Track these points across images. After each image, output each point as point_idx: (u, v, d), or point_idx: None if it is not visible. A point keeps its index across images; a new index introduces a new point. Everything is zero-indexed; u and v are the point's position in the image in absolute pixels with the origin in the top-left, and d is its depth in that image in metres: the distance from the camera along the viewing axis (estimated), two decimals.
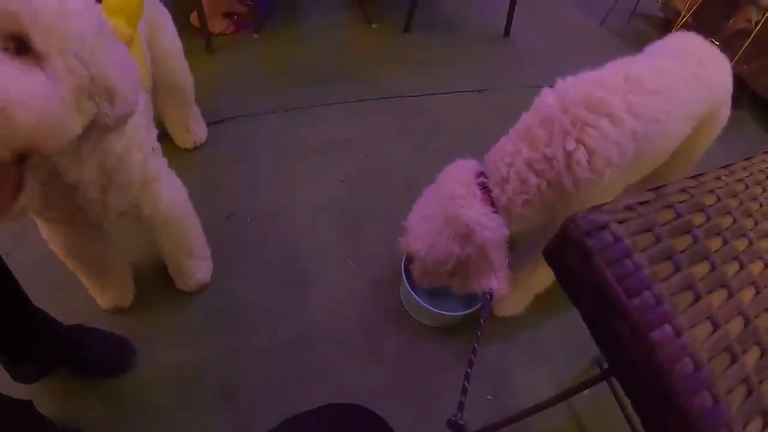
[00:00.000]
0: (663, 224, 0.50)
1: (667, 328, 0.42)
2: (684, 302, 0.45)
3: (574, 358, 1.42)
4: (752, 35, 2.35)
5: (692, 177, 0.61)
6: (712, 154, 1.40)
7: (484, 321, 1.05)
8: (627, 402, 1.19)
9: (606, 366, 0.99)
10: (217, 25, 2.40)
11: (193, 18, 2.33)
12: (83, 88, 0.68)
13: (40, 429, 1.03)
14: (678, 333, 0.43)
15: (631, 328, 0.43)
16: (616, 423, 1.23)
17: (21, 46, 0.60)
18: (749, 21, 2.49)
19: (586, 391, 1.06)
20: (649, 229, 0.49)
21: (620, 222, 0.48)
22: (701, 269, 0.48)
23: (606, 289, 0.45)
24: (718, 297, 0.47)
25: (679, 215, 0.51)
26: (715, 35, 1.28)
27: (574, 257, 0.49)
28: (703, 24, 2.59)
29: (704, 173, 0.64)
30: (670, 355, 0.41)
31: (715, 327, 0.45)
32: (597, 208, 0.51)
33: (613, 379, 1.12)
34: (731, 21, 2.58)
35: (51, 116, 0.61)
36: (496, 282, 1.15)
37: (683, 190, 0.56)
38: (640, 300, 0.44)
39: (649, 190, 0.55)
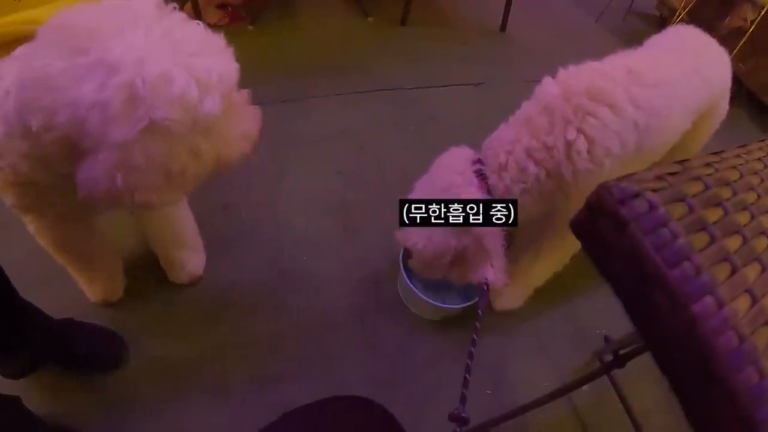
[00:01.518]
0: (694, 195, 0.47)
1: (709, 299, 0.40)
2: (722, 274, 0.43)
3: (575, 352, 1.41)
4: (748, 33, 2.35)
5: (714, 153, 0.59)
6: (707, 150, 1.39)
7: (481, 312, 1.03)
8: (627, 395, 1.19)
9: (607, 359, 0.97)
10: (212, 16, 2.36)
11: (187, 9, 2.29)
12: None
13: (28, 426, 1.00)
14: (720, 305, 0.40)
15: (670, 299, 0.41)
16: (617, 417, 1.22)
17: None
18: (745, 19, 2.49)
19: (586, 386, 1.05)
20: (682, 199, 0.46)
21: (653, 191, 0.46)
22: (734, 242, 0.46)
23: (643, 259, 0.42)
24: (753, 270, 0.45)
25: (707, 187, 0.49)
26: (710, 33, 1.28)
27: (607, 226, 0.46)
28: (699, 22, 2.57)
29: (723, 150, 0.62)
30: (712, 328, 0.39)
31: (754, 300, 0.43)
32: (627, 176, 0.48)
33: (614, 373, 1.11)
34: (727, 19, 2.58)
35: None
36: (492, 272, 1.13)
37: (708, 164, 0.53)
38: (679, 270, 0.41)
39: (675, 162, 0.53)
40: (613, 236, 0.45)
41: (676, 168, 0.51)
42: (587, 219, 0.50)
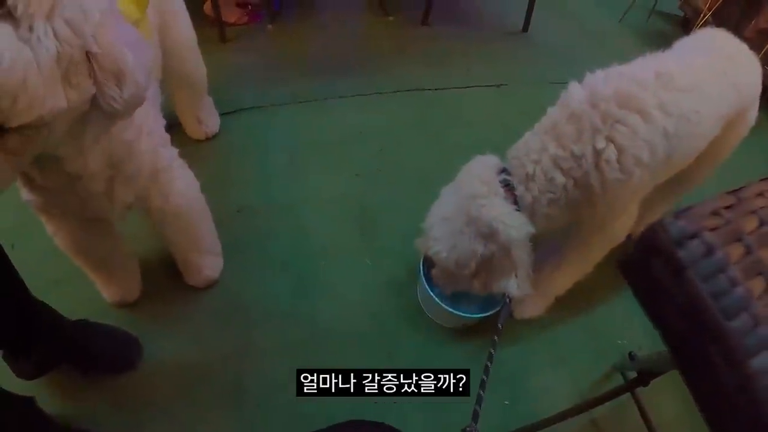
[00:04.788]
0: (750, 233, 0.44)
1: (767, 355, 0.37)
2: None
3: (595, 363, 1.37)
4: None
5: (763, 179, 0.55)
6: (734, 156, 1.37)
7: (502, 326, 1.00)
8: (652, 415, 1.16)
9: (631, 376, 0.94)
10: (231, 15, 2.35)
11: (207, 8, 2.28)
12: (75, 61, 0.63)
13: (41, 426, 1.00)
14: None
15: (726, 354, 0.37)
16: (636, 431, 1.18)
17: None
18: None
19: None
20: (739, 239, 0.43)
21: (711, 230, 0.42)
22: None
23: (700, 309, 0.39)
24: None
25: (762, 222, 0.45)
26: (736, 34, 1.23)
27: (661, 269, 0.43)
28: (724, 23, 2.51)
29: None
30: None
31: None
32: (685, 211, 0.44)
33: (638, 391, 1.08)
34: (753, 21, 2.50)
35: (12, 75, 0.55)
36: (515, 285, 1.10)
37: (760, 194, 0.50)
38: (738, 322, 0.38)
39: (727, 194, 0.50)
40: (667, 280, 0.42)
41: (730, 200, 0.47)
42: (638, 258, 0.47)
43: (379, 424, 0.83)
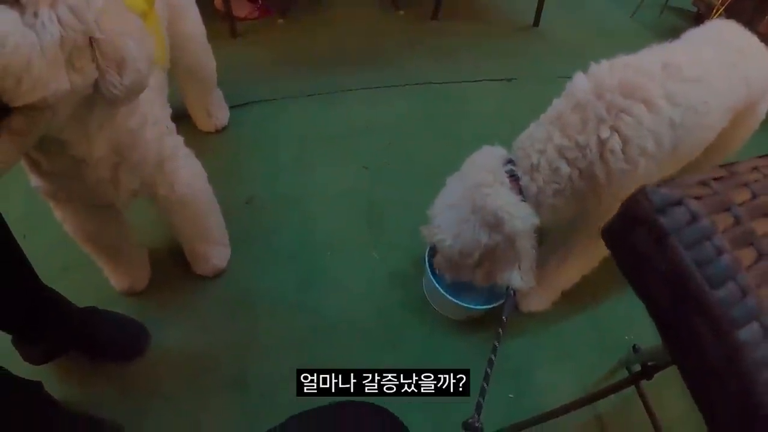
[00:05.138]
0: (741, 204, 0.43)
1: (755, 326, 0.36)
2: None
3: (600, 358, 1.36)
4: None
5: (762, 156, 0.54)
6: (744, 150, 1.32)
7: (506, 319, 1.00)
8: (655, 408, 1.15)
9: (635, 370, 0.93)
10: (242, 9, 2.36)
11: (218, 2, 2.30)
12: (78, 46, 0.65)
13: (48, 410, 1.02)
14: (767, 333, 0.36)
15: (712, 324, 0.37)
16: (641, 426, 1.17)
17: None
18: None
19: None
20: (728, 209, 0.42)
21: (697, 198, 0.42)
22: None
23: (684, 277, 0.38)
24: None
25: (755, 195, 0.44)
26: (749, 29, 1.22)
27: (644, 237, 0.42)
28: (737, 18, 2.47)
29: None
30: (757, 360, 0.35)
31: None
32: (668, 181, 0.44)
33: (642, 384, 1.07)
34: (767, 16, 2.46)
35: (16, 58, 0.57)
36: (519, 277, 1.10)
37: (755, 169, 0.49)
38: (724, 291, 0.37)
39: (720, 166, 0.49)
40: (649, 249, 0.41)
41: (721, 172, 0.47)
42: (621, 227, 0.46)
43: (379, 408, 0.83)
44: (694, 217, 0.40)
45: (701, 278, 0.38)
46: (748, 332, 0.36)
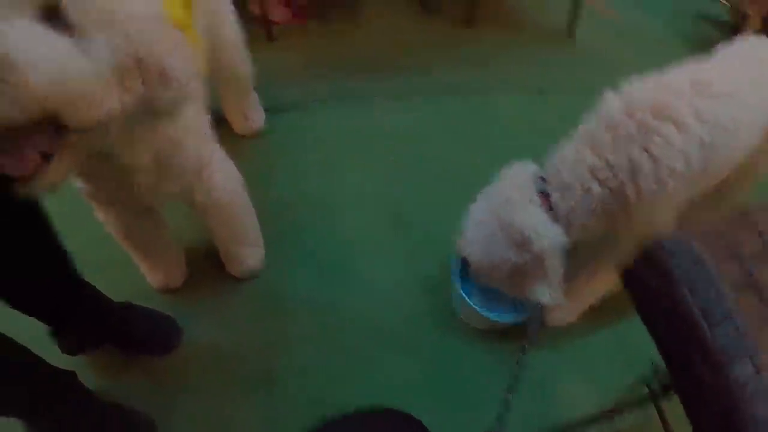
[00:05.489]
0: (749, 250, 0.44)
1: (748, 365, 0.37)
2: None
3: (622, 374, 1.35)
4: None
5: None
6: None
7: (533, 334, 1.01)
8: (674, 428, 1.13)
9: (654, 387, 0.93)
10: (278, 13, 2.40)
11: (254, 6, 2.33)
12: (128, 67, 0.68)
13: (80, 398, 1.05)
14: (758, 371, 0.37)
15: (708, 361, 0.38)
16: None
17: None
18: None
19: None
20: (736, 256, 0.43)
21: (706, 244, 0.42)
22: None
23: (684, 316, 0.39)
24: None
25: (766, 244, 0.45)
26: None
27: (654, 278, 0.43)
28: None
29: None
30: (748, 396, 0.36)
31: None
32: (683, 226, 0.45)
33: (663, 404, 1.06)
34: None
35: (74, 85, 0.60)
36: (547, 294, 1.10)
37: None
38: (721, 331, 0.38)
39: (736, 213, 0.49)
40: (659, 290, 0.42)
41: (735, 219, 0.47)
42: (639, 269, 0.47)
43: (410, 417, 0.84)
44: (698, 262, 0.41)
45: (701, 318, 0.38)
46: (741, 369, 0.36)
